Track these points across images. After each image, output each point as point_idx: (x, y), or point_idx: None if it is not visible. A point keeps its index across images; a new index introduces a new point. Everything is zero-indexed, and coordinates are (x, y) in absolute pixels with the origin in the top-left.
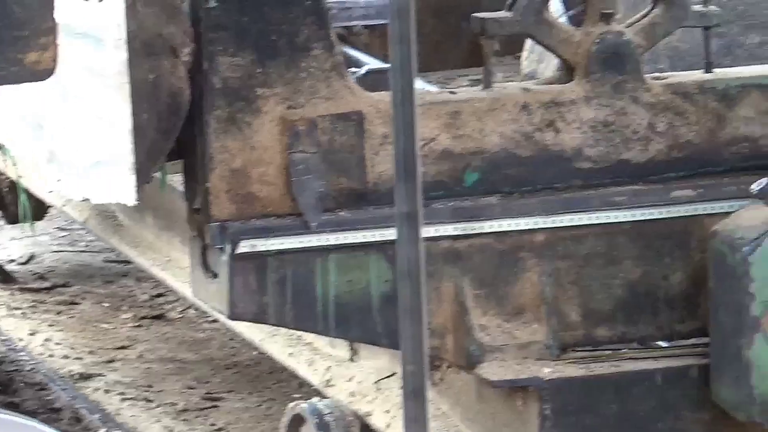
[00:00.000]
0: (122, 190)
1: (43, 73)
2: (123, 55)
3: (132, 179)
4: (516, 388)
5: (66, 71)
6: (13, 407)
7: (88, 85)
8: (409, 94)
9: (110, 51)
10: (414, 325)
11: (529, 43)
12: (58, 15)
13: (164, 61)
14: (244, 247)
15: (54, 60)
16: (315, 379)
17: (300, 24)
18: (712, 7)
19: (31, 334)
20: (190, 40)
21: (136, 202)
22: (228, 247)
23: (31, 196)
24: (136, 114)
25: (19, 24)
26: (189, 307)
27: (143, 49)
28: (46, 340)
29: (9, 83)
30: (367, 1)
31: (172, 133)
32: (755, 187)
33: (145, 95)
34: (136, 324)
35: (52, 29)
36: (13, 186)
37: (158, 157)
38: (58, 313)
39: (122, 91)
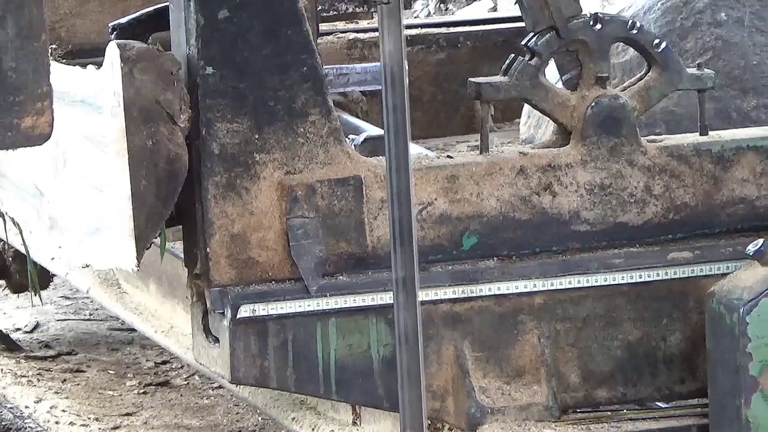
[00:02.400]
0: (122, 256)
1: (38, 137)
2: (121, 121)
3: (132, 245)
4: None
5: (65, 138)
6: None
7: (87, 152)
8: (404, 160)
9: (108, 118)
10: (413, 389)
11: (527, 108)
12: (55, 82)
13: (162, 127)
14: (245, 311)
15: (50, 125)
16: None
17: (297, 90)
18: (707, 71)
19: (37, 402)
20: (187, 107)
21: (137, 269)
22: (229, 312)
23: (35, 265)
24: (134, 180)
25: (14, 89)
26: (194, 374)
27: (141, 115)
28: (52, 407)
29: (5, 148)
30: (363, 67)
31: (171, 198)
32: (751, 248)
33: (143, 162)
34: (142, 391)
35: (47, 94)
36: (18, 255)
37: (157, 222)
38: (64, 380)
39: (121, 158)
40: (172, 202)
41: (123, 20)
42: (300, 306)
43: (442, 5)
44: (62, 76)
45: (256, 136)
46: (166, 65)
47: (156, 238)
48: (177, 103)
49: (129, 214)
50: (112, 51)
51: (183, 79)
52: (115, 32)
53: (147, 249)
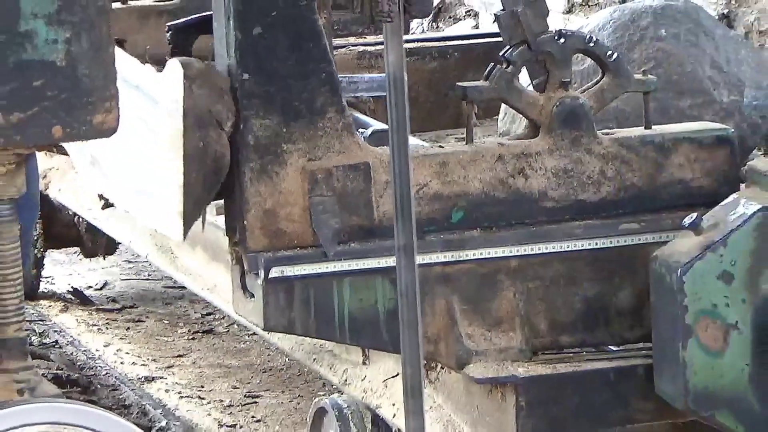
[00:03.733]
0: (172, 229)
1: (107, 131)
2: (179, 124)
3: (180, 223)
4: (496, 384)
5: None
6: (93, 404)
7: (141, 132)
8: (404, 149)
9: (166, 116)
10: (411, 335)
11: (503, 107)
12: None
13: (211, 132)
14: (275, 272)
15: (116, 120)
16: (335, 379)
17: (317, 92)
18: (650, 77)
19: (105, 346)
20: (233, 115)
21: (184, 241)
22: (262, 273)
23: (103, 234)
24: (186, 174)
25: (88, 92)
26: (233, 323)
27: (195, 122)
28: (118, 350)
29: (80, 139)
30: (370, 77)
31: (214, 188)
32: (687, 220)
33: (195, 159)
34: (190, 337)
35: (114, 96)
36: (89, 227)
37: (202, 206)
38: (127, 329)
39: (176, 153)
40: (215, 191)
41: (178, 22)
42: (320, 268)
43: (433, 24)
44: (120, 61)
45: (284, 130)
46: (219, 82)
47: (198, 218)
48: (224, 112)
49: (180, 199)
50: (176, 67)
51: (229, 92)
52: (170, 32)
53: (191, 226)
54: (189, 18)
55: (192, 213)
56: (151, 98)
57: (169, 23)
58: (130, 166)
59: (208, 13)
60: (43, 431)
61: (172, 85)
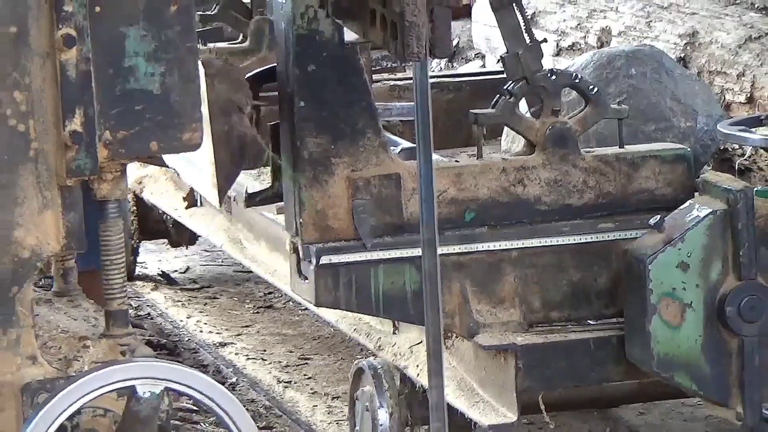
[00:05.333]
0: (211, 196)
1: (192, 146)
2: (205, 113)
3: (215, 193)
4: (500, 350)
5: None
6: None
7: None
8: (428, 163)
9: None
10: (433, 311)
11: (506, 130)
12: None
13: (234, 117)
14: (324, 260)
15: (200, 138)
16: (370, 345)
17: (358, 117)
18: (623, 106)
19: (188, 318)
20: (251, 100)
21: (220, 206)
22: (314, 260)
23: (186, 228)
24: (216, 152)
25: (178, 115)
26: (289, 300)
27: (219, 110)
28: (197, 321)
29: (171, 153)
30: (401, 105)
31: (242, 163)
32: (652, 221)
33: (221, 141)
34: (255, 311)
35: (199, 118)
36: (175, 222)
37: (233, 178)
38: (205, 304)
39: (207, 137)
40: (242, 165)
41: (253, 72)
42: (360, 257)
43: (449, 63)
44: None
45: (332, 147)
46: (236, 75)
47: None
48: (244, 99)
49: (212, 172)
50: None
51: (246, 83)
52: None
53: (224, 194)
54: (256, 71)
55: (224, 185)
56: None
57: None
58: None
59: (272, 65)
60: (140, 384)
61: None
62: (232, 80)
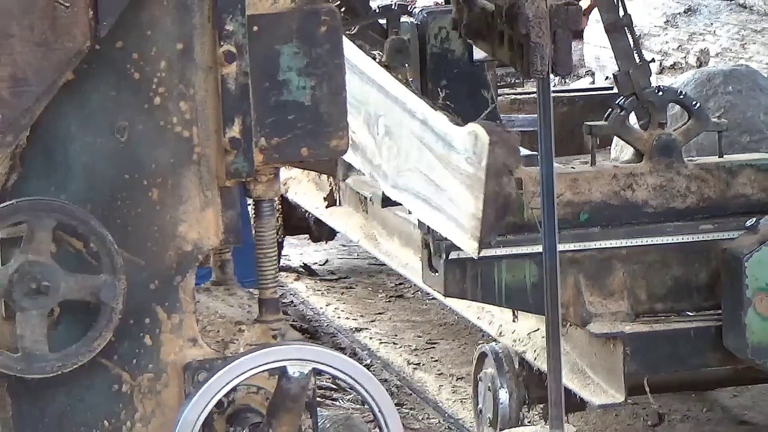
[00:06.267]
0: (468, 246)
1: (340, 152)
2: (481, 174)
3: (476, 245)
4: (609, 338)
5: (405, 133)
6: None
7: (425, 154)
8: (549, 169)
9: (463, 161)
10: (552, 301)
11: (616, 139)
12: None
13: (504, 178)
14: (453, 255)
15: (347, 144)
16: (492, 331)
17: None
18: (722, 120)
19: (327, 305)
20: (519, 163)
21: (477, 256)
22: (444, 256)
23: (325, 225)
24: (485, 211)
25: (327, 125)
26: (418, 290)
27: (494, 173)
28: (335, 308)
29: (320, 158)
30: (522, 117)
31: (504, 219)
32: (748, 223)
33: (491, 200)
34: (387, 300)
35: (345, 127)
36: (316, 219)
37: (494, 235)
38: (342, 293)
39: (473, 193)
40: (503, 221)
41: None
42: (485, 253)
43: (562, 80)
44: (416, 104)
45: None
46: (511, 141)
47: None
48: (513, 162)
49: (477, 227)
50: (482, 133)
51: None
52: None
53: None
54: None
55: (485, 238)
56: (444, 140)
57: None
58: (408, 173)
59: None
60: (291, 365)
61: (476, 144)
62: (509, 146)
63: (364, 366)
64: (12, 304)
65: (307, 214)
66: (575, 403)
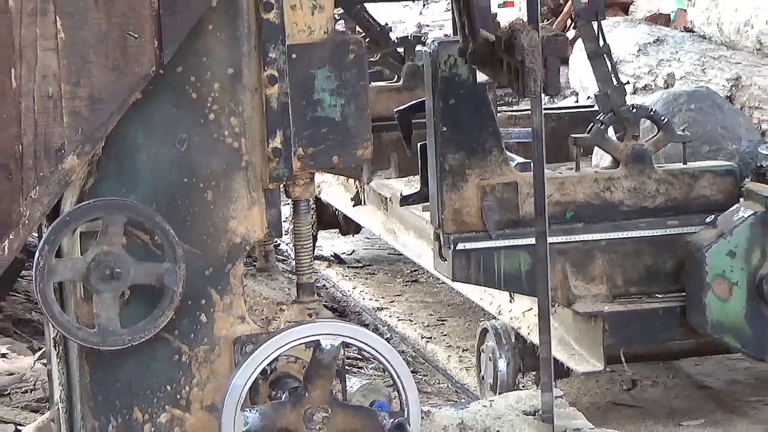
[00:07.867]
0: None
1: (365, 160)
2: None
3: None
4: (591, 316)
5: None
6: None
7: None
8: (540, 174)
9: None
10: (542, 284)
11: (596, 149)
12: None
13: None
14: (460, 246)
15: (370, 153)
16: (492, 310)
17: (486, 139)
18: (686, 133)
19: (353, 289)
20: None
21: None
22: (452, 246)
23: (352, 221)
24: None
25: (353, 136)
26: (430, 276)
27: None
28: (361, 291)
29: (348, 165)
30: (518, 130)
31: None
32: (707, 220)
33: None
34: (404, 284)
35: (369, 138)
36: (345, 216)
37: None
38: (366, 278)
39: None
40: None
41: (402, 107)
42: (487, 244)
43: (552, 99)
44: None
45: (467, 161)
46: None
47: None
48: None
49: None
50: None
51: None
52: (396, 113)
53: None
54: (409, 104)
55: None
56: None
57: (396, 108)
58: None
59: (421, 99)
60: (324, 338)
61: None
62: None
63: (385, 339)
64: (89, 287)
65: (336, 211)
66: (562, 371)
